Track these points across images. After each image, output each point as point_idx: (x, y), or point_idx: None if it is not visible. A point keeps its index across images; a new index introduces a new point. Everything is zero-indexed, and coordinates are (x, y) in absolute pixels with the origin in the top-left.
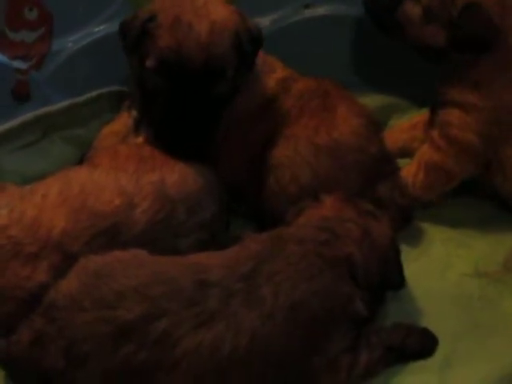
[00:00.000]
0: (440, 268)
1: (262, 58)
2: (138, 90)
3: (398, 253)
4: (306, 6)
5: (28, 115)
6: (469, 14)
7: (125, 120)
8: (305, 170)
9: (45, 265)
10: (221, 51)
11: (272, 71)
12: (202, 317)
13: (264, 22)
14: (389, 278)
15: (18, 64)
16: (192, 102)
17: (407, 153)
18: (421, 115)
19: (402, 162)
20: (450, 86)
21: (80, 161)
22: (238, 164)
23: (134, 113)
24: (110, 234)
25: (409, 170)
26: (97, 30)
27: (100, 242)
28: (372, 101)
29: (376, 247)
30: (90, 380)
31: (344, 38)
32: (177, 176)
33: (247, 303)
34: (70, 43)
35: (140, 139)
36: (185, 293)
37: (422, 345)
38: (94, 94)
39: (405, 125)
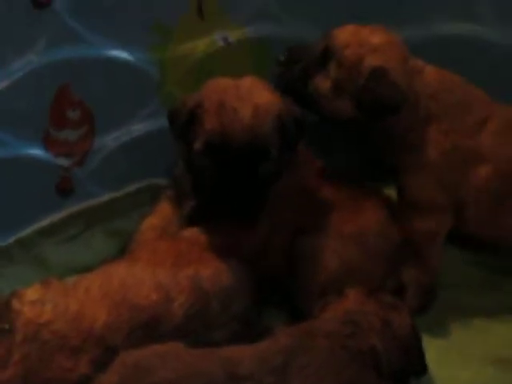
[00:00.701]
0: (460, 354)
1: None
2: (187, 174)
3: (419, 340)
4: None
5: (71, 209)
6: (375, 77)
7: (162, 213)
8: (333, 259)
9: (87, 357)
10: (264, 132)
11: (311, 162)
12: None
13: None
14: (411, 366)
15: (61, 161)
16: (238, 180)
17: None
18: None
19: None
20: (389, 155)
21: (121, 251)
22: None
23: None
24: (149, 327)
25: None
26: (135, 128)
27: (139, 335)
28: None
29: (397, 337)
30: None
31: None
32: (211, 270)
33: None
34: (110, 141)
35: (187, 232)
36: None
37: None
38: (132, 188)
39: None
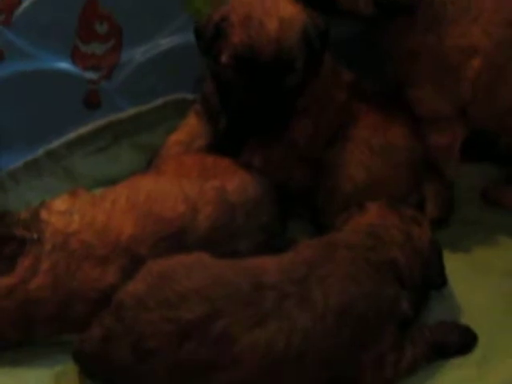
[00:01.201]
0: (481, 267)
1: (331, 63)
2: (216, 89)
3: (439, 254)
4: None
5: (99, 122)
6: None
7: (189, 128)
8: (359, 170)
9: (114, 267)
10: (289, 45)
11: (340, 74)
12: (258, 317)
13: None
14: (431, 279)
15: (89, 74)
16: (264, 93)
17: None
18: None
19: None
20: (396, 64)
21: (147, 165)
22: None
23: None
24: (175, 238)
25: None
26: (163, 42)
27: (165, 246)
28: None
29: (418, 250)
30: (155, 374)
31: None
32: (237, 182)
33: (300, 305)
34: (137, 55)
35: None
36: (242, 295)
37: (462, 342)
38: (159, 101)
39: None
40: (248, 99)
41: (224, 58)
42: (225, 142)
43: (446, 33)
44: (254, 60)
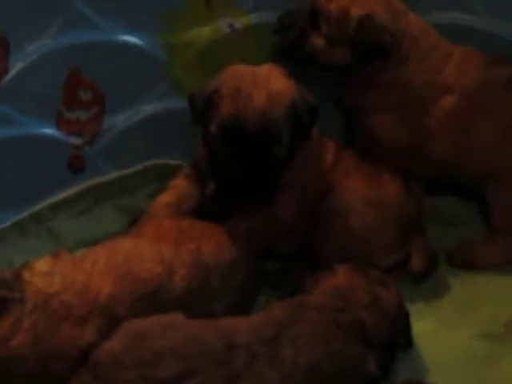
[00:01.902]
0: (448, 329)
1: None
2: (205, 152)
3: (406, 316)
4: None
5: (82, 185)
6: (363, 26)
7: (177, 190)
8: (356, 219)
9: (92, 326)
10: (276, 118)
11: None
12: (230, 376)
13: None
14: (398, 340)
15: (73, 140)
16: (249, 164)
17: None
18: None
19: None
20: (362, 92)
21: (128, 227)
22: (292, 212)
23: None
24: (151, 298)
25: None
26: (143, 109)
27: (142, 305)
28: None
29: (385, 311)
30: None
31: None
32: (212, 245)
33: (270, 364)
34: (119, 121)
35: None
36: (215, 354)
37: None
38: (140, 166)
39: None
40: (232, 169)
41: (213, 128)
42: (211, 207)
43: (419, 68)
44: (239, 131)
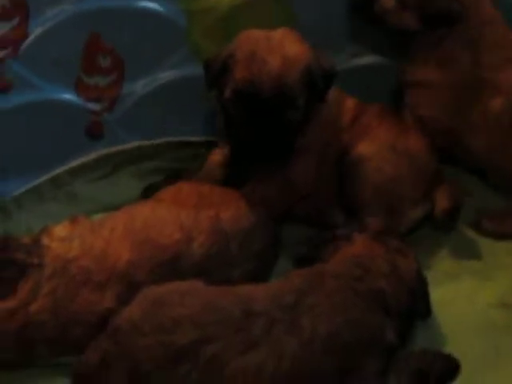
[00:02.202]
0: (467, 298)
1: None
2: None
3: (424, 285)
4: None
5: (101, 151)
6: None
7: (225, 149)
8: (388, 164)
9: (111, 292)
10: (290, 83)
11: (345, 98)
12: (248, 343)
13: None
14: (416, 308)
15: (92, 106)
16: (264, 128)
17: None
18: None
19: None
20: (416, 66)
21: (142, 193)
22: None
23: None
24: (170, 265)
25: None
26: (163, 75)
27: (161, 272)
28: None
29: (404, 280)
30: None
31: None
32: (231, 212)
33: (289, 331)
34: (139, 87)
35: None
36: (233, 321)
37: (445, 370)
38: (160, 140)
39: None
40: (247, 133)
41: (227, 93)
42: (230, 172)
43: (479, 59)
44: (254, 95)
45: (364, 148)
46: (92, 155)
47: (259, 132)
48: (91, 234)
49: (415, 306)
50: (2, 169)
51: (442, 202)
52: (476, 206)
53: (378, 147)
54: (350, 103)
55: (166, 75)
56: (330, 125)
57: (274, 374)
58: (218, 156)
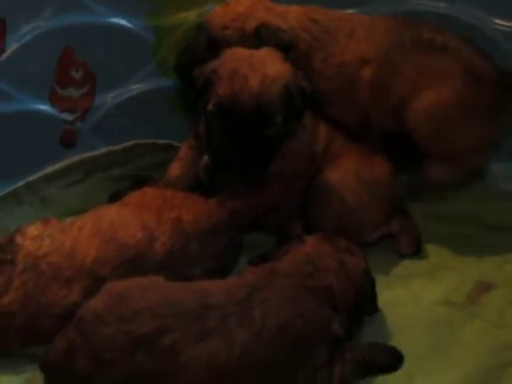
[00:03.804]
0: (413, 297)
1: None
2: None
3: (372, 282)
4: None
5: (73, 158)
6: (261, 35)
7: (183, 162)
8: (350, 193)
9: (78, 287)
10: (269, 100)
11: (318, 126)
12: (202, 333)
13: None
14: (363, 305)
15: (65, 116)
16: (244, 142)
17: None
18: None
19: None
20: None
21: (110, 197)
22: (282, 193)
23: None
24: (134, 262)
25: None
26: (133, 87)
27: (125, 269)
28: None
29: (351, 278)
30: (111, 381)
31: None
32: (192, 214)
33: (241, 323)
34: (109, 99)
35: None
36: (190, 313)
37: (389, 362)
38: (130, 143)
39: None
40: (227, 147)
41: (209, 106)
42: (204, 179)
43: (328, 55)
44: (234, 111)
45: (329, 175)
46: (65, 162)
47: (238, 146)
48: (61, 233)
49: (362, 302)
50: None
51: (404, 241)
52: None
53: (343, 175)
54: (323, 130)
55: (135, 87)
56: (305, 153)
57: (226, 361)
58: (176, 171)
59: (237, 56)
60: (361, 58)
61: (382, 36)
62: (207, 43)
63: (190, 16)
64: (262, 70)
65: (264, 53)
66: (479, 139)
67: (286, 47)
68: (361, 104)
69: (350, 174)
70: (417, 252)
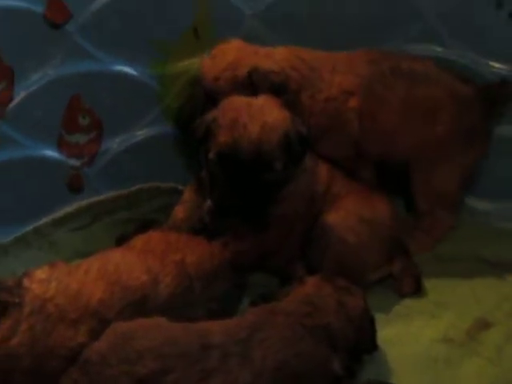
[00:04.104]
0: (413, 335)
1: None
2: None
3: (371, 321)
4: None
5: (81, 203)
6: (253, 79)
7: (187, 205)
8: (351, 234)
9: (84, 328)
10: (269, 147)
11: (319, 167)
12: (204, 373)
13: None
14: (363, 343)
15: (72, 161)
16: (245, 187)
17: None
18: None
19: None
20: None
21: (117, 241)
22: (283, 235)
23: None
24: (138, 304)
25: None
26: (138, 133)
27: (130, 311)
28: None
29: (351, 317)
30: None
31: None
32: (195, 257)
33: (241, 363)
34: (115, 144)
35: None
36: (191, 353)
37: None
38: (135, 187)
39: None
40: (228, 192)
41: (211, 155)
42: (207, 222)
43: (315, 91)
44: (235, 159)
45: (330, 217)
46: (73, 207)
47: (239, 191)
48: (68, 276)
49: (362, 341)
50: None
51: (404, 282)
52: None
53: (344, 217)
54: (323, 171)
55: (140, 133)
56: (305, 195)
57: None
58: (180, 214)
59: (235, 105)
60: (345, 91)
61: (363, 66)
62: (204, 95)
63: (194, 63)
64: (261, 118)
65: (262, 101)
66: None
67: (279, 89)
68: (351, 135)
69: (351, 215)
70: (417, 292)
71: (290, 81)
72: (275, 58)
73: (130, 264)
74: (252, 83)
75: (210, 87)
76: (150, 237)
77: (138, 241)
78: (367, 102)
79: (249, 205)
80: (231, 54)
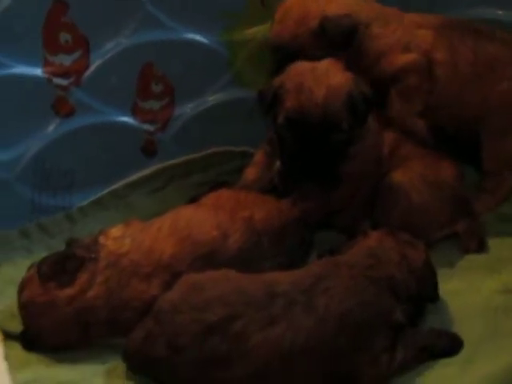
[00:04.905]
0: (474, 287)
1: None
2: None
3: (432, 272)
4: None
5: (155, 167)
6: (325, 26)
7: (258, 167)
8: (416, 193)
9: (157, 282)
10: (335, 109)
11: (384, 131)
12: (269, 319)
13: None
14: (425, 293)
15: (146, 127)
16: (313, 149)
17: None
18: None
19: None
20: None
21: (190, 202)
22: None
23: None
24: (208, 258)
25: None
26: (210, 99)
27: (200, 264)
28: None
29: (413, 268)
30: (186, 365)
31: None
32: (263, 214)
33: (305, 310)
34: (188, 110)
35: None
36: (257, 301)
37: (449, 346)
38: (209, 151)
39: None
40: (298, 155)
41: (279, 120)
42: (277, 183)
43: (385, 23)
44: (303, 122)
45: (396, 177)
46: (147, 170)
47: (308, 153)
48: (141, 233)
49: (424, 290)
50: (68, 184)
51: (467, 241)
52: None
53: (409, 177)
54: (389, 135)
55: (211, 99)
56: (372, 155)
57: (291, 347)
58: (251, 175)
59: (300, 70)
60: (419, 24)
61: (432, 18)
62: (288, 59)
63: (261, 30)
64: (325, 81)
65: (326, 64)
66: None
67: (352, 30)
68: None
69: (416, 175)
70: (481, 251)
71: (360, 15)
72: (337, 1)
73: (201, 220)
74: (324, 32)
75: (292, 48)
76: (220, 194)
77: (209, 198)
78: (444, 48)
79: (318, 165)
80: (295, 12)
